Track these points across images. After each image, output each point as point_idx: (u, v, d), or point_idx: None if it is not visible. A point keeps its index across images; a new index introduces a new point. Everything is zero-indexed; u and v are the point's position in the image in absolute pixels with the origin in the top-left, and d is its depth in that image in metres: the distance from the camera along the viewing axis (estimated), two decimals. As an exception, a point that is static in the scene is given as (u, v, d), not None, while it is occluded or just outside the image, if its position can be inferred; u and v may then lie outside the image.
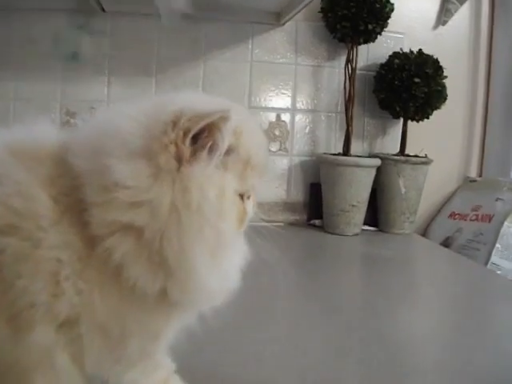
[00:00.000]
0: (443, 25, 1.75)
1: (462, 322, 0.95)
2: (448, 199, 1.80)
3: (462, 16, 1.76)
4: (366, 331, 0.86)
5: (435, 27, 1.76)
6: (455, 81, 1.66)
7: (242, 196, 0.49)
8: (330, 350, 0.78)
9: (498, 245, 1.50)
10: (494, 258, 1.50)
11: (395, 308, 0.99)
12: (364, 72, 1.65)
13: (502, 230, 1.51)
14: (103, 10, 1.50)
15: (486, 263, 1.48)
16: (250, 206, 0.51)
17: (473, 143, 1.84)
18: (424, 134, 1.65)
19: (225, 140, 0.45)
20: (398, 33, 1.69)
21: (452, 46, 1.76)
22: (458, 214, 1.70)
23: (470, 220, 1.64)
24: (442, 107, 1.57)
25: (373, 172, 1.53)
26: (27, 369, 0.44)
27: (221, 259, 0.46)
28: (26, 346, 0.44)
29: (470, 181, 1.80)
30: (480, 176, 1.84)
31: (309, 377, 0.69)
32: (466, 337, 0.86)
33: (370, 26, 1.48)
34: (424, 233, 1.77)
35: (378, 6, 1.46)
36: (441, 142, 1.74)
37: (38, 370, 0.45)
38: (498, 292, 1.16)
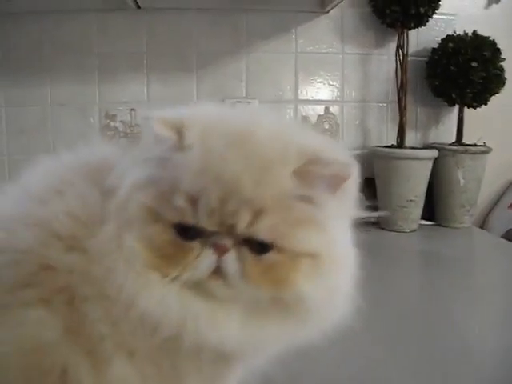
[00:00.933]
0: (497, 3, 1.66)
1: None
2: (507, 189, 1.72)
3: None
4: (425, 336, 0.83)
5: (488, 5, 1.67)
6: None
7: None
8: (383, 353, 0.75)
9: None
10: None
11: (461, 310, 0.93)
12: (414, 58, 1.57)
13: None
14: (138, 6, 1.45)
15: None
16: None
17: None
18: (481, 122, 1.57)
19: None
20: (448, 14, 1.60)
21: (507, 25, 1.66)
22: (519, 205, 1.63)
23: (535, 211, 1.56)
24: (502, 93, 1.49)
25: (430, 164, 1.45)
26: None
27: None
28: (108, 380, 0.40)
29: (532, 168, 1.72)
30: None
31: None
32: None
33: (421, 9, 1.40)
34: (482, 225, 1.70)
35: (428, -14, 1.39)
36: (497, 129, 1.66)
37: None
38: None
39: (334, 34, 1.55)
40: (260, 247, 0.40)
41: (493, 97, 1.50)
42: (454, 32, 1.50)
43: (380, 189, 1.49)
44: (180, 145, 0.40)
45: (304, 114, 1.55)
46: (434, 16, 1.49)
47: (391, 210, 1.45)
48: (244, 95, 1.52)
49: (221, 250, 0.40)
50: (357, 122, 1.59)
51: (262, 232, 0.39)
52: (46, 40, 1.46)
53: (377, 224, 1.52)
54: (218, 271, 0.40)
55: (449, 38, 1.49)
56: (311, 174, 0.40)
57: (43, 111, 1.50)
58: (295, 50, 1.54)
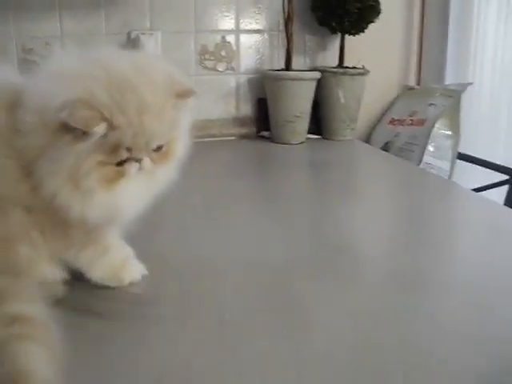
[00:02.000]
0: None
1: (395, 214, 1.15)
2: (388, 107, 1.98)
3: None
4: (312, 228, 1.04)
5: None
6: None
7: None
8: (276, 237, 0.94)
9: (429, 146, 1.70)
10: (426, 158, 1.69)
11: (340, 206, 1.14)
12: (304, -10, 1.78)
13: (432, 133, 1.70)
14: None
15: (419, 163, 1.68)
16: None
17: (410, 54, 1.99)
18: (363, 48, 1.79)
19: None
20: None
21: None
22: (397, 120, 1.88)
23: (407, 125, 1.82)
24: (380, 21, 1.71)
25: (313, 84, 1.69)
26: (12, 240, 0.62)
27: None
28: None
29: (409, 89, 1.97)
30: (418, 84, 2.01)
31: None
32: (398, 223, 1.08)
33: None
34: (367, 140, 1.95)
35: None
36: (379, 54, 1.89)
37: (20, 241, 0.63)
38: (427, 186, 1.34)
39: (229, -30, 1.74)
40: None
41: (374, 25, 1.73)
42: (334, -32, 1.72)
43: (271, 107, 1.72)
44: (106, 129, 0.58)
45: (203, 42, 1.76)
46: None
47: (280, 125, 1.69)
48: (148, 27, 1.71)
49: (139, 160, 0.62)
50: (251, 50, 1.80)
51: (163, 141, 0.63)
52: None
53: (269, 138, 1.76)
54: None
55: (330, -28, 1.70)
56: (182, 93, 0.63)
57: None
58: (195, -15, 1.72)
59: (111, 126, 0.57)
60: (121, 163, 0.61)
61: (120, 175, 0.61)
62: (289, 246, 0.91)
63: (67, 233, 0.65)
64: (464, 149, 1.78)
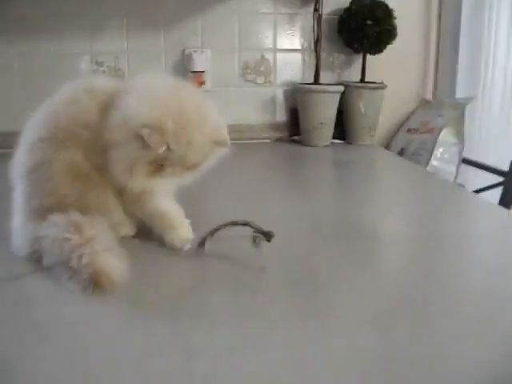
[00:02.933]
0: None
1: (403, 207, 1.34)
2: (407, 118, 2.28)
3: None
4: (333, 210, 1.25)
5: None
6: (411, 16, 2.16)
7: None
8: (303, 229, 1.09)
9: (436, 151, 1.99)
10: (433, 162, 1.99)
11: (357, 196, 1.38)
12: (332, 16, 2.08)
13: (439, 139, 1.99)
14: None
15: (427, 165, 1.97)
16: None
17: (428, 71, 2.28)
18: (383, 64, 2.08)
19: None
20: (360, -19, 2.12)
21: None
22: (413, 129, 2.16)
23: (420, 133, 2.10)
24: (400, 41, 2.01)
25: (337, 96, 2.00)
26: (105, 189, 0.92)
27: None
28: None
29: (425, 102, 2.27)
30: (434, 98, 2.30)
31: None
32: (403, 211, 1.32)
33: (331, -20, 1.93)
34: (387, 146, 2.24)
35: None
36: (399, 70, 2.17)
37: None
38: (431, 185, 1.56)
39: (268, -2, 2.08)
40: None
41: (393, 46, 2.03)
42: (358, -4, 2.03)
43: (301, 115, 2.04)
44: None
45: (245, 59, 2.10)
46: (347, -17, 2.01)
47: (309, 130, 2.01)
48: (199, 46, 2.06)
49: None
50: (285, 66, 2.14)
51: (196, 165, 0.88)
52: (49, 4, 1.94)
53: (299, 142, 2.09)
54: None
55: (353, 2, 2.01)
56: (220, 141, 0.88)
57: (46, 62, 1.99)
58: (239, 10, 2.05)
59: (167, 149, 0.81)
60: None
61: (157, 173, 0.86)
62: (312, 225, 1.12)
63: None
64: (475, 154, 2.07)
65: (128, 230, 0.98)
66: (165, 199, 0.94)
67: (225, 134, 0.89)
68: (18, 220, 0.91)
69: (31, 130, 0.92)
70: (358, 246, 0.98)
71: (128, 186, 0.88)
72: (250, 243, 0.87)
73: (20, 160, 0.91)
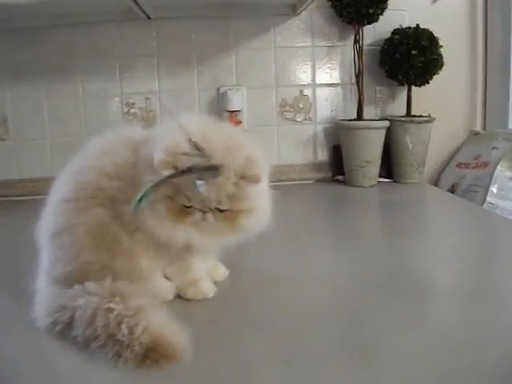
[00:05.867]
0: (440, -1, 2.11)
1: (459, 250, 1.27)
2: (456, 151, 2.18)
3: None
4: (383, 259, 1.16)
5: (434, 1, 2.12)
6: (456, 46, 2.07)
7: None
8: (349, 281, 1.02)
9: (492, 187, 1.89)
10: (490, 198, 1.88)
11: (408, 242, 1.29)
12: (372, 47, 2.02)
13: (495, 174, 1.89)
14: (149, 17, 1.92)
15: (483, 203, 1.87)
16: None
17: (476, 101, 2.18)
18: (429, 96, 2.00)
19: None
20: (400, 10, 2.04)
21: (451, 16, 2.10)
22: (463, 164, 2.07)
23: (472, 168, 2.00)
24: (446, 72, 1.92)
25: (383, 132, 1.92)
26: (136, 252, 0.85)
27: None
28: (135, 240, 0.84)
29: (475, 134, 2.16)
30: (484, 129, 2.21)
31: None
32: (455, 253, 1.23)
33: (370, 10, 1.85)
34: (435, 182, 2.15)
35: (376, -9, 1.85)
36: (445, 101, 2.09)
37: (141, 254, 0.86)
38: (490, 225, 1.47)
39: (305, 32, 2.01)
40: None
41: (440, 76, 1.95)
42: (400, 26, 1.95)
43: (344, 153, 1.96)
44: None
45: (283, 96, 2.03)
46: (389, 11, 1.92)
47: (353, 169, 1.93)
48: (235, 84, 2.00)
49: (203, 213, 0.80)
50: (326, 101, 2.06)
51: (224, 207, 0.80)
52: (77, 46, 1.93)
53: (343, 182, 2.00)
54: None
55: (395, 31, 1.94)
56: (248, 177, 0.78)
57: (76, 103, 1.97)
58: (274, 46, 2.00)
59: (179, 175, 0.76)
60: (188, 208, 0.80)
61: (185, 215, 0.80)
62: (359, 277, 1.04)
63: (163, 251, 0.85)
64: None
65: (166, 294, 0.91)
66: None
67: (256, 170, 0.79)
68: (42, 285, 0.85)
69: (56, 190, 0.88)
70: (410, 302, 0.90)
71: (155, 232, 0.82)
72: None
73: (44, 223, 0.87)
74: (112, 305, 0.73)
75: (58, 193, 0.87)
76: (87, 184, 0.84)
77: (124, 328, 0.69)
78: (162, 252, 0.86)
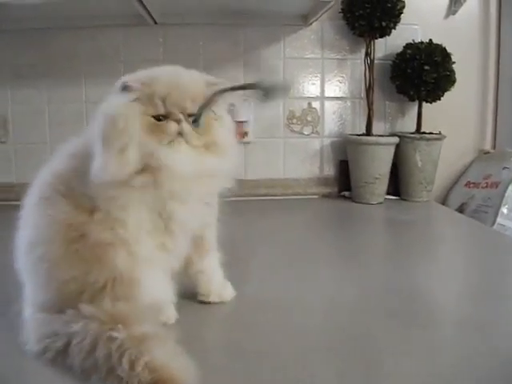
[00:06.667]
0: (453, 14, 2.07)
1: (467, 271, 1.24)
2: (465, 170, 2.14)
3: (471, 4, 2.09)
4: (389, 282, 1.11)
5: (446, 17, 2.09)
6: (468, 63, 2.02)
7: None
8: (354, 304, 0.98)
9: (503, 208, 1.85)
10: (500, 220, 1.84)
11: (414, 262, 1.26)
12: (383, 61, 1.99)
13: (506, 194, 1.85)
14: (155, 22, 1.88)
15: (493, 224, 1.83)
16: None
17: (486, 120, 2.15)
18: (440, 113, 1.98)
19: None
20: (412, 24, 2.01)
21: (463, 32, 2.07)
22: (473, 183, 2.04)
23: (482, 188, 1.97)
24: (456, 89, 1.89)
25: (392, 149, 1.88)
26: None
27: None
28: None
29: (484, 153, 2.13)
30: (493, 148, 2.17)
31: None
32: (471, 281, 1.17)
33: (383, 23, 1.81)
34: (443, 201, 2.11)
35: (389, 5, 1.79)
36: (456, 119, 2.06)
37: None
38: (500, 247, 1.43)
39: (315, 43, 1.98)
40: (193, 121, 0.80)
41: (451, 93, 1.91)
42: (413, 41, 1.92)
43: (352, 169, 1.92)
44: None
45: (291, 108, 2.00)
46: (401, 26, 1.89)
47: (360, 186, 1.89)
48: (242, 93, 1.95)
49: (178, 121, 0.78)
50: (335, 115, 2.03)
51: (191, 111, 0.79)
52: (81, 50, 1.90)
53: (349, 198, 1.96)
54: (180, 133, 0.79)
55: (408, 46, 1.91)
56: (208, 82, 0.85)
57: (79, 107, 1.93)
58: (283, 56, 1.97)
59: (145, 87, 0.79)
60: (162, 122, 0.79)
61: (162, 129, 0.78)
62: (364, 300, 1.01)
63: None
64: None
65: (170, 315, 0.85)
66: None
67: (216, 82, 0.87)
68: (29, 311, 0.78)
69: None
70: (416, 330, 0.86)
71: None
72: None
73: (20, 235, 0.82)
74: (114, 333, 0.66)
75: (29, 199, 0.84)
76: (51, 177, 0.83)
77: (125, 362, 0.63)
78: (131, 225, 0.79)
